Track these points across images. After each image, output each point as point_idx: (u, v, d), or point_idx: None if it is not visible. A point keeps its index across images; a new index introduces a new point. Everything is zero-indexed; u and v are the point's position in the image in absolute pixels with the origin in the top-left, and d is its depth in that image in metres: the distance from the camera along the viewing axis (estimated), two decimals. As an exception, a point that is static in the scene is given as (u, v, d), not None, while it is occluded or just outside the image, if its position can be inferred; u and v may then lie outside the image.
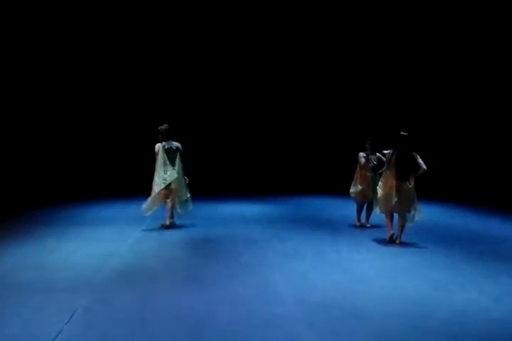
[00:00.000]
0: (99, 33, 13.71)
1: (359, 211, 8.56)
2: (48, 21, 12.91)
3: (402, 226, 7.08)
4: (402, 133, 7.07)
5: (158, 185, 7.83)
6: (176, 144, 7.95)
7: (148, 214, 7.94)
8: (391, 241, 7.12)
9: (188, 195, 8.12)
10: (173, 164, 7.87)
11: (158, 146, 7.88)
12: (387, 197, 7.07)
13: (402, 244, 7.04)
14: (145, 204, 7.89)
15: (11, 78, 12.56)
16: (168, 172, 7.84)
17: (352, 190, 8.46)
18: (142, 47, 14.26)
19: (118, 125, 14.14)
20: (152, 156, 8.00)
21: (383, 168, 7.53)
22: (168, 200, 7.93)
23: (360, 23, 14.17)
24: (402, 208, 7.00)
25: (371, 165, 8.28)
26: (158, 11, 13.80)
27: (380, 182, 7.37)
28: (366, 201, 8.39)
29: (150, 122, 8.61)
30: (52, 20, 12.96)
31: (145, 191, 8.18)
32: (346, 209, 9.48)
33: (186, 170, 8.22)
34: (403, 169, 6.96)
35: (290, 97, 15.24)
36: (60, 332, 3.79)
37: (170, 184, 7.86)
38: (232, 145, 15.06)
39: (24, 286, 4.89)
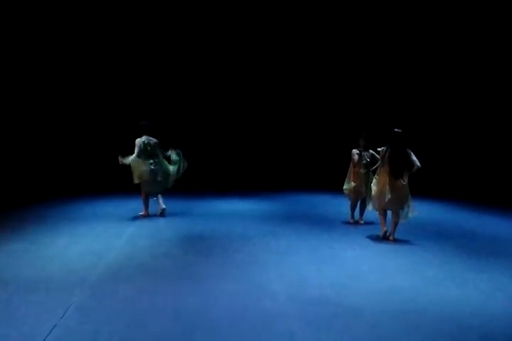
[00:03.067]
0: (96, 35, 13.61)
1: (353, 208, 8.57)
2: (46, 22, 12.84)
3: (396, 223, 7.11)
4: (395, 130, 7.09)
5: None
6: (154, 139, 8.52)
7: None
8: (385, 238, 7.15)
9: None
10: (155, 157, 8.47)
11: (140, 140, 8.40)
12: (381, 194, 7.09)
13: (396, 240, 7.07)
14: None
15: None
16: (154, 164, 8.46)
17: (345, 186, 8.47)
18: (139, 46, 14.14)
19: (114, 122, 14.06)
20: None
21: (376, 165, 7.55)
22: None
23: (352, 22, 14.15)
24: (396, 205, 7.02)
25: (364, 162, 8.28)
26: (152, 9, 13.70)
27: (374, 180, 7.40)
28: (360, 198, 8.41)
29: (147, 119, 8.63)
30: (48, 21, 12.89)
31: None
32: (340, 205, 9.50)
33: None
34: (397, 166, 6.97)
35: (284, 94, 15.21)
36: (53, 329, 3.78)
37: (157, 175, 8.43)
38: (227, 143, 15.03)
39: (17, 283, 4.86)
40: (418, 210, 7.17)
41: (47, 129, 13.54)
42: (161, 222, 8.30)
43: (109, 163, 13.12)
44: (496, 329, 4.04)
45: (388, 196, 6.95)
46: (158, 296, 4.60)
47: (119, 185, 11.76)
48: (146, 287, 4.85)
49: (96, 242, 6.67)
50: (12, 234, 7.01)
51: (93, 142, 13.97)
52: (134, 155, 8.26)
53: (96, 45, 13.89)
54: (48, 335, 3.68)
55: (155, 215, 8.62)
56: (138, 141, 8.35)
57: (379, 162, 7.37)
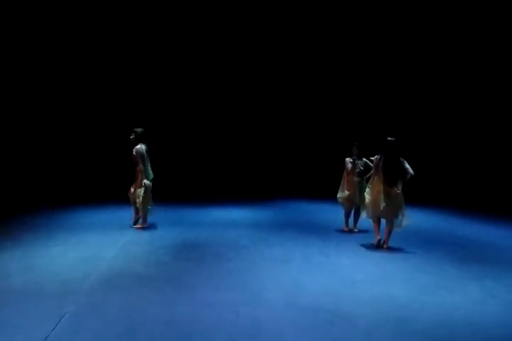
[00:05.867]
0: (92, 36, 13.66)
1: (347, 216, 8.60)
2: (44, 24, 12.89)
3: (390, 232, 7.13)
4: (388, 138, 7.15)
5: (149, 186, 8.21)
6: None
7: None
8: (378, 246, 7.16)
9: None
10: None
11: (143, 148, 8.13)
12: (375, 202, 7.12)
13: (390, 248, 7.09)
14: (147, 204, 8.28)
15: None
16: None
17: (339, 195, 8.51)
18: (136, 51, 14.19)
19: (110, 129, 14.06)
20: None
21: (370, 173, 7.60)
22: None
23: (346, 31, 14.28)
24: (390, 213, 7.05)
25: (358, 170, 8.33)
26: (148, 10, 13.74)
27: (367, 188, 7.43)
28: (353, 206, 8.44)
29: (143, 126, 8.55)
30: (47, 22, 12.93)
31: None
32: (334, 214, 9.51)
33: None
34: (390, 174, 7.02)
35: (277, 102, 15.26)
36: (46, 339, 3.75)
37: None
38: (221, 150, 15.05)
39: (10, 291, 4.84)
40: (411, 218, 7.20)
41: (42, 138, 13.50)
42: (155, 230, 8.28)
43: (105, 172, 13.20)
44: (489, 337, 4.06)
45: (382, 204, 6.98)
46: (152, 305, 4.58)
47: (114, 193, 11.75)
48: (139, 296, 4.84)
49: (90, 251, 6.64)
50: (5, 243, 6.95)
51: (88, 151, 13.95)
52: (143, 168, 7.99)
53: (96, 52, 13.92)
54: (41, 344, 3.67)
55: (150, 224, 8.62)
56: (140, 149, 8.06)
57: (372, 170, 7.41)
